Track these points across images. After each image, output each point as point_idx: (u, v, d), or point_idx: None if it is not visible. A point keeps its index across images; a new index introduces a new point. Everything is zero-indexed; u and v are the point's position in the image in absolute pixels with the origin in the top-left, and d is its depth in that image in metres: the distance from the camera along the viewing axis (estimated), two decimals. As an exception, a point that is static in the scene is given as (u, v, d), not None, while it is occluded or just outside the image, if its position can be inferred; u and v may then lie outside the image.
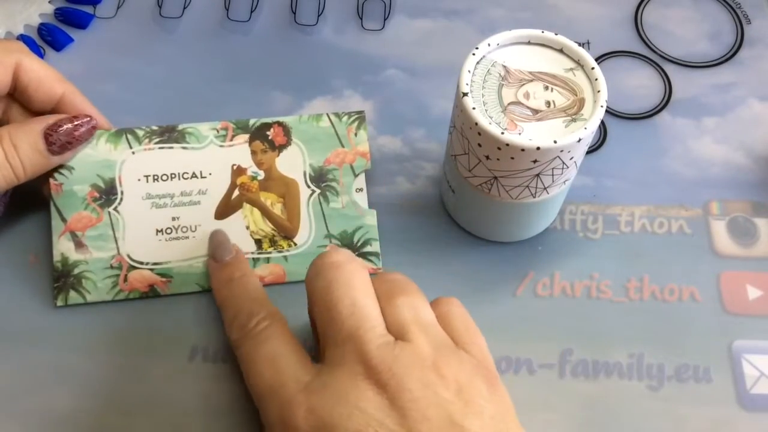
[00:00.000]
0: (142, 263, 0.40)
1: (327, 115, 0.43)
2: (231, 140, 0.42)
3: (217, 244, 0.39)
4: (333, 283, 0.31)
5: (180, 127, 0.42)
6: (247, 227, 0.41)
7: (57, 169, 0.40)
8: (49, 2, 0.50)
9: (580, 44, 0.37)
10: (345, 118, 0.43)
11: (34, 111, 0.40)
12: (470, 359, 0.31)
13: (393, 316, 0.31)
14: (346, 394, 0.29)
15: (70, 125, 0.39)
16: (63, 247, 0.40)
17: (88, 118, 0.40)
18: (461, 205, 0.41)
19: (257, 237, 0.41)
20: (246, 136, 0.42)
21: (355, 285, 0.31)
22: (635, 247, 0.43)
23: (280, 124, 0.43)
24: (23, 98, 0.40)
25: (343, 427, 0.28)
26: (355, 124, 0.43)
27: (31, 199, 0.42)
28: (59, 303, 0.40)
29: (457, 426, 0.28)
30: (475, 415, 0.29)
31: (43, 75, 0.39)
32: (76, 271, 0.40)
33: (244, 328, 0.34)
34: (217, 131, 0.42)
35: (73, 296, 0.40)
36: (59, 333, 0.39)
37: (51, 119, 0.39)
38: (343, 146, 0.43)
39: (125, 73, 0.47)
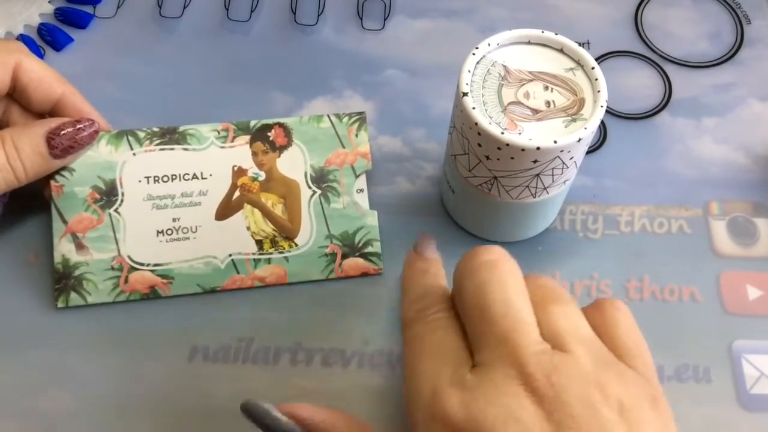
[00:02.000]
0: (142, 264, 0.40)
1: (328, 116, 0.43)
2: (232, 141, 0.42)
3: (423, 238, 0.36)
4: (487, 283, 0.30)
5: (181, 128, 0.42)
6: (248, 228, 0.41)
7: (58, 170, 0.40)
8: (49, 2, 0.50)
9: (580, 44, 0.37)
10: (345, 119, 0.43)
11: (33, 111, 0.40)
12: (634, 376, 0.29)
13: (548, 324, 0.29)
14: (500, 396, 0.27)
15: (72, 129, 0.39)
16: (64, 248, 0.40)
17: (91, 122, 0.40)
18: (461, 205, 0.41)
19: (258, 238, 0.41)
20: (247, 137, 0.42)
21: (510, 286, 0.30)
22: (635, 247, 0.43)
23: (280, 125, 0.43)
24: (22, 98, 0.40)
25: (497, 430, 0.27)
26: (356, 125, 0.43)
27: (31, 199, 0.42)
28: (60, 304, 0.40)
29: None
30: None
31: (43, 75, 0.39)
32: (77, 272, 0.40)
33: (422, 311, 0.32)
34: (218, 132, 0.42)
35: (74, 298, 0.40)
36: (60, 334, 0.39)
37: (53, 122, 0.39)
38: (343, 147, 0.42)
39: (125, 73, 0.48)
